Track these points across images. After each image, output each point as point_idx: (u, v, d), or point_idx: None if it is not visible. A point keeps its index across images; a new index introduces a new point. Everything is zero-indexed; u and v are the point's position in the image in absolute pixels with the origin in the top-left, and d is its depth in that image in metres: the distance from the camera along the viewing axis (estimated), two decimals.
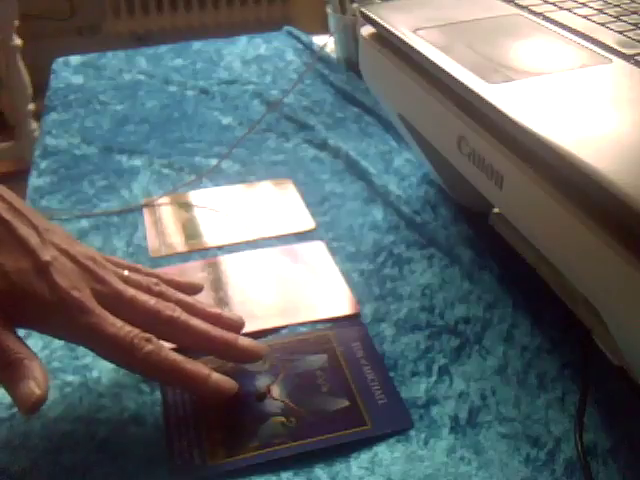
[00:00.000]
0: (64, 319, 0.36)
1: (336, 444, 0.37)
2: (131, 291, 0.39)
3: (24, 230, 0.37)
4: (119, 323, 0.37)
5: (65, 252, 0.38)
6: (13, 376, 0.34)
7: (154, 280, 0.41)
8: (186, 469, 0.36)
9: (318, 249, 0.52)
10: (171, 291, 0.41)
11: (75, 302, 0.36)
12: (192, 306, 0.41)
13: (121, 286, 0.39)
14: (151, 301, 0.39)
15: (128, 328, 0.37)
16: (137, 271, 0.42)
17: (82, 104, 0.75)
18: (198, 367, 0.38)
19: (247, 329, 0.44)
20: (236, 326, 0.42)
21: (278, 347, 0.43)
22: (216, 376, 0.38)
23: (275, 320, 0.45)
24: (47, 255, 0.36)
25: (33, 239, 0.37)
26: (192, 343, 0.39)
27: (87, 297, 0.37)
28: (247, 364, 0.41)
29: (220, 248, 0.52)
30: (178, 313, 0.39)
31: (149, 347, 0.36)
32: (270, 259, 0.51)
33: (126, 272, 0.41)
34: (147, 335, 0.37)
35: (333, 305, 0.46)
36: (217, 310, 0.42)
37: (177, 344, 0.40)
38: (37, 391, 0.34)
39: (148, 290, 0.40)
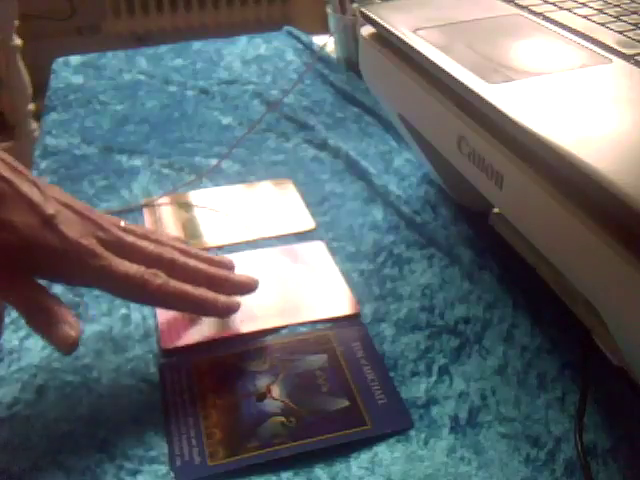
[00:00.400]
0: (77, 265, 0.39)
1: (336, 444, 0.37)
2: (131, 237, 0.42)
3: (26, 187, 0.38)
4: (127, 263, 0.40)
5: (66, 205, 0.40)
6: (47, 322, 0.38)
7: (149, 229, 0.44)
8: (186, 469, 0.36)
9: (318, 249, 0.52)
10: (165, 237, 0.45)
11: (85, 249, 0.38)
12: (186, 250, 0.44)
13: (121, 233, 0.42)
14: (150, 246, 0.42)
15: (136, 266, 0.40)
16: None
17: (82, 104, 0.75)
18: (205, 292, 0.42)
19: (247, 329, 0.44)
20: (228, 265, 0.46)
21: (278, 347, 0.43)
22: (223, 297, 0.42)
23: (275, 320, 0.45)
24: (51, 209, 0.38)
25: (36, 195, 0.38)
26: (192, 281, 0.42)
27: (94, 244, 0.39)
28: (247, 364, 0.41)
29: (220, 248, 0.52)
30: (177, 255, 0.43)
31: (159, 280, 0.40)
32: (270, 259, 0.51)
33: (122, 223, 0.43)
34: (154, 270, 0.40)
35: (333, 305, 0.46)
36: (207, 254, 0.46)
37: (178, 279, 0.42)
38: (73, 333, 0.37)
39: (145, 237, 0.43)
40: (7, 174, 0.38)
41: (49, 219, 0.38)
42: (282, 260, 0.51)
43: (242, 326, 0.45)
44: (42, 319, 0.38)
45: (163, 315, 0.46)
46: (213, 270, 0.44)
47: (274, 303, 0.47)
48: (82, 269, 0.39)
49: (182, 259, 0.43)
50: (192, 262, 0.43)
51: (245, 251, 0.51)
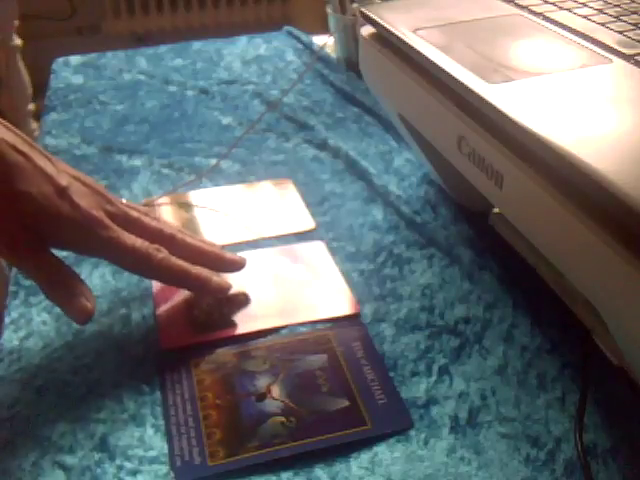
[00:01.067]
0: (87, 235, 0.41)
1: (336, 444, 0.37)
2: (135, 213, 0.45)
3: (41, 160, 0.41)
4: (133, 236, 0.43)
5: (76, 178, 0.43)
6: (64, 293, 0.41)
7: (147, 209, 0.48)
8: (186, 469, 0.36)
9: (318, 249, 0.52)
10: (162, 219, 0.48)
11: (95, 219, 0.41)
12: (182, 230, 0.48)
13: (127, 208, 0.45)
14: (153, 222, 0.45)
15: (141, 240, 0.43)
16: None
17: (82, 104, 0.75)
18: (201, 271, 0.45)
19: (247, 329, 0.44)
20: (217, 246, 0.49)
21: (278, 347, 0.43)
22: (216, 278, 0.46)
23: (275, 320, 0.45)
24: (64, 180, 0.41)
25: (49, 167, 0.41)
26: (188, 257, 0.45)
27: (103, 215, 0.42)
28: (247, 364, 0.41)
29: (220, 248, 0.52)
30: (176, 232, 0.46)
31: (161, 255, 0.43)
32: (270, 259, 0.51)
33: (124, 200, 0.46)
34: (157, 245, 0.43)
35: (333, 305, 0.46)
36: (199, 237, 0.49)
37: (176, 254, 0.44)
38: (89, 305, 0.41)
39: (146, 215, 0.46)
40: (24, 148, 0.40)
41: (63, 190, 0.40)
42: (282, 260, 0.51)
43: (242, 326, 0.45)
44: (61, 291, 0.41)
45: (162, 315, 0.46)
46: (207, 247, 0.47)
47: (274, 303, 0.47)
48: (91, 239, 0.41)
49: (180, 235, 0.46)
50: (189, 239, 0.47)
51: (245, 251, 0.51)
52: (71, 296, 0.41)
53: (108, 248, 0.42)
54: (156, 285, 0.48)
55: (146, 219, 0.45)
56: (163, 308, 0.46)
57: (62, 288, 0.41)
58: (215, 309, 0.46)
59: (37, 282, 0.41)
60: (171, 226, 0.47)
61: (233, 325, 0.45)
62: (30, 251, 0.41)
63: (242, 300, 0.47)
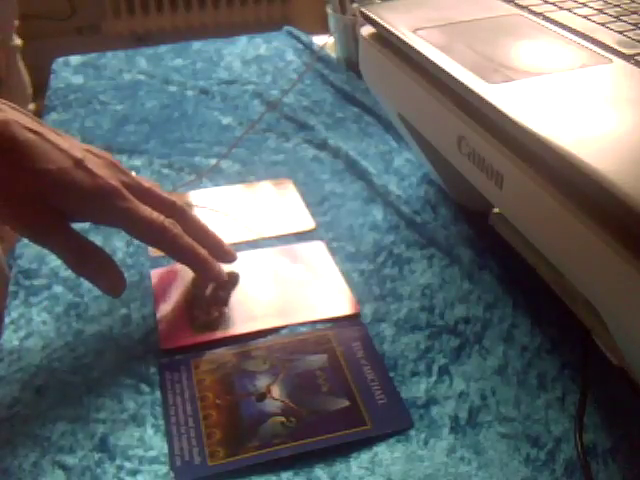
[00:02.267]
0: (105, 205, 0.42)
1: (336, 444, 0.37)
2: (147, 183, 0.46)
3: (54, 137, 0.41)
4: (148, 209, 0.43)
5: (89, 151, 0.43)
6: (93, 268, 0.43)
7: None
8: (186, 469, 0.36)
9: (318, 249, 0.52)
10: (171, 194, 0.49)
11: (113, 189, 0.42)
12: (190, 206, 0.50)
13: (138, 178, 0.46)
14: (164, 194, 0.47)
15: (156, 213, 0.44)
16: None
17: (82, 104, 0.75)
18: (207, 255, 0.47)
19: (246, 329, 0.44)
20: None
21: (278, 347, 0.43)
22: (218, 264, 0.48)
23: (275, 320, 0.45)
24: (79, 153, 0.42)
25: (62, 142, 0.42)
26: (194, 233, 0.46)
27: (120, 186, 0.43)
28: (247, 364, 0.41)
29: None
30: (186, 206, 0.48)
31: (176, 230, 0.44)
32: (270, 259, 0.51)
33: (133, 173, 0.46)
34: (172, 220, 0.44)
35: (333, 305, 0.46)
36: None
37: (185, 228, 0.46)
38: (122, 282, 0.43)
39: (157, 187, 0.47)
40: (35, 127, 0.41)
41: (80, 162, 0.41)
42: (282, 260, 0.51)
43: (242, 326, 0.45)
44: (90, 265, 0.42)
45: (162, 315, 0.46)
46: (211, 230, 0.49)
47: (274, 303, 0.47)
48: (110, 208, 0.42)
49: (190, 210, 0.48)
50: (197, 217, 0.48)
51: (245, 251, 0.51)
52: (101, 270, 0.43)
53: (126, 218, 0.43)
54: (156, 285, 0.48)
55: (158, 190, 0.47)
56: (163, 308, 0.46)
57: (91, 262, 0.42)
58: (215, 309, 0.46)
59: (64, 259, 0.42)
60: (182, 200, 0.48)
61: (233, 325, 0.45)
62: (54, 228, 0.41)
63: (242, 299, 0.47)
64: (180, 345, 0.43)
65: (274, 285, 0.48)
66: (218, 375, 0.41)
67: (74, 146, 0.42)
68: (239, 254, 0.51)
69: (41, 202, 0.40)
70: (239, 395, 0.40)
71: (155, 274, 0.49)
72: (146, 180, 0.47)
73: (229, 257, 0.49)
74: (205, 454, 0.36)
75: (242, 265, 0.50)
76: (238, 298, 0.47)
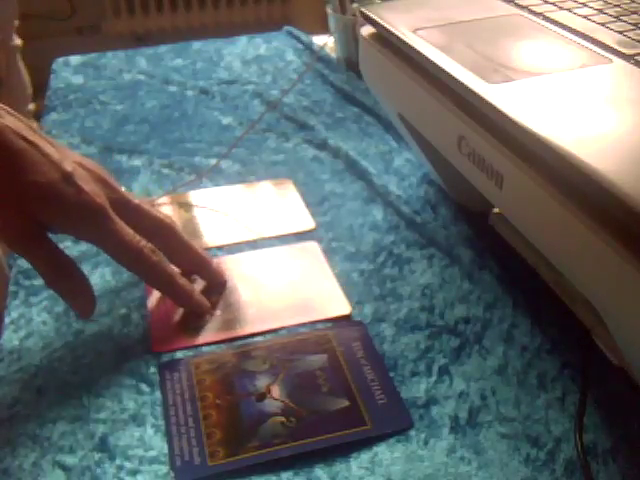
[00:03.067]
0: (87, 222, 0.42)
1: (336, 444, 0.37)
2: (136, 200, 0.45)
3: (48, 148, 0.41)
4: (131, 232, 0.43)
5: (80, 164, 0.43)
6: (67, 286, 0.42)
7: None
8: (186, 469, 0.36)
9: (312, 250, 0.52)
10: (162, 211, 0.48)
11: (98, 207, 0.41)
12: (177, 227, 0.48)
13: (128, 194, 0.45)
14: (153, 211, 0.46)
15: (138, 238, 0.43)
16: None
17: (82, 104, 0.75)
18: (187, 283, 0.46)
19: (239, 332, 0.44)
20: (208, 254, 0.49)
21: (278, 347, 0.43)
22: (198, 294, 0.46)
23: (266, 323, 0.45)
24: (69, 166, 0.41)
25: (54, 154, 0.41)
26: (179, 254, 0.46)
27: (107, 204, 0.42)
28: (247, 364, 0.41)
29: (220, 248, 0.53)
30: (174, 224, 0.46)
31: (155, 258, 0.43)
32: (261, 261, 0.51)
33: (123, 189, 0.46)
34: (153, 247, 0.43)
35: (325, 306, 0.46)
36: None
37: (170, 253, 0.46)
38: (91, 305, 0.43)
39: (146, 204, 0.46)
40: (29, 135, 0.40)
41: (68, 175, 0.41)
42: (274, 262, 0.51)
43: (234, 329, 0.44)
44: (64, 283, 0.42)
45: (155, 317, 0.45)
46: (199, 249, 0.48)
47: (265, 306, 0.46)
48: (91, 228, 0.42)
49: (178, 229, 0.47)
50: (185, 238, 0.47)
51: (235, 254, 0.51)
52: (75, 290, 0.42)
53: (105, 239, 0.42)
54: (150, 288, 0.48)
55: (146, 207, 0.46)
56: (156, 312, 0.46)
57: (66, 281, 0.42)
58: (198, 319, 0.45)
59: (40, 272, 0.41)
60: (171, 218, 0.47)
61: (225, 328, 0.45)
62: (35, 241, 0.41)
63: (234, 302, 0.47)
64: (172, 348, 0.43)
65: (265, 288, 0.48)
66: (218, 375, 0.41)
67: (66, 158, 0.42)
68: (230, 257, 0.51)
69: (25, 213, 0.40)
70: (239, 395, 0.40)
71: None
72: (135, 196, 0.46)
73: (217, 278, 0.48)
74: (205, 454, 0.36)
75: (233, 268, 0.50)
76: (230, 301, 0.47)
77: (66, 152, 0.43)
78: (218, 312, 0.46)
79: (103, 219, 0.41)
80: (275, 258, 0.51)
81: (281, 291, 0.48)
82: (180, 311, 0.46)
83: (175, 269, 0.46)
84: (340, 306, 0.46)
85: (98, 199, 0.41)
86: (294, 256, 0.51)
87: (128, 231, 0.42)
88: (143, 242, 0.43)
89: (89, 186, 0.41)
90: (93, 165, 0.44)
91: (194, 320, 0.45)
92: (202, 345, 0.44)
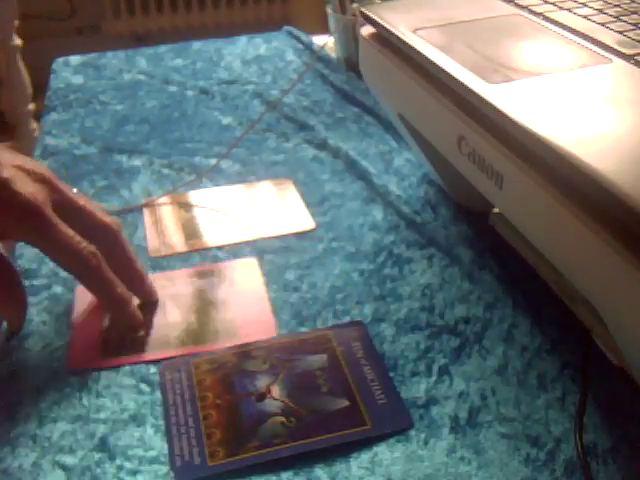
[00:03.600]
0: (24, 223, 0.41)
1: (336, 444, 0.37)
2: (83, 201, 0.44)
3: None
4: (71, 232, 0.41)
5: (20, 168, 0.42)
6: (3, 300, 0.42)
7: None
8: (186, 469, 0.36)
9: (249, 267, 0.50)
10: (107, 215, 0.46)
11: (34, 208, 0.40)
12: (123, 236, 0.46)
13: (73, 195, 0.44)
14: (99, 214, 0.45)
15: (78, 239, 0.42)
16: None
17: (82, 104, 0.75)
18: (124, 292, 0.44)
19: (158, 356, 0.43)
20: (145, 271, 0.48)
21: (278, 347, 0.43)
22: (133, 305, 0.45)
23: (188, 346, 0.43)
24: (5, 173, 0.40)
25: None
26: (117, 263, 0.44)
27: (47, 207, 0.41)
28: (247, 364, 0.41)
29: (220, 248, 0.53)
30: (121, 232, 0.45)
31: (94, 262, 0.42)
32: (193, 279, 0.49)
33: (75, 190, 0.45)
34: (94, 250, 0.42)
35: (250, 330, 0.44)
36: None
37: (110, 260, 0.44)
38: (20, 322, 0.43)
39: (92, 206, 0.45)
40: None
41: (5, 181, 0.40)
42: (207, 280, 0.49)
43: (154, 351, 0.43)
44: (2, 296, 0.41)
45: (78, 332, 0.44)
46: (139, 266, 0.46)
47: (190, 327, 0.45)
48: (28, 227, 0.41)
49: (124, 236, 0.45)
50: (128, 248, 0.46)
51: (166, 272, 0.49)
52: (9, 301, 0.42)
53: (43, 239, 0.41)
54: (77, 303, 0.47)
55: (91, 209, 0.44)
56: (79, 324, 0.45)
57: (1, 291, 0.41)
58: (130, 332, 0.44)
59: None
60: (118, 224, 0.45)
61: (145, 350, 0.43)
62: None
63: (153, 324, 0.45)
64: (86, 367, 0.42)
65: (193, 308, 0.47)
66: (218, 375, 0.41)
67: (5, 166, 0.40)
68: (160, 275, 0.49)
69: None
70: (239, 395, 0.40)
71: (79, 291, 0.47)
72: (83, 198, 0.45)
73: (149, 296, 0.47)
74: (205, 454, 0.36)
75: (165, 286, 0.48)
76: (156, 321, 0.45)
77: (10, 157, 0.42)
78: (142, 333, 0.44)
79: (39, 219, 0.40)
80: (210, 276, 0.50)
81: (208, 312, 0.46)
82: (103, 327, 0.45)
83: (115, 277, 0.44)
84: (266, 329, 0.45)
85: (35, 200, 0.40)
86: (231, 274, 0.50)
87: (67, 231, 0.41)
88: (84, 244, 0.42)
89: (29, 187, 0.40)
90: (36, 167, 0.43)
91: (117, 338, 0.44)
92: (123, 365, 0.42)
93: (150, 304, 0.47)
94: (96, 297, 0.45)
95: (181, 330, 0.45)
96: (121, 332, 0.44)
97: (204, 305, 0.47)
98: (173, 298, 0.47)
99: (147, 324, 0.45)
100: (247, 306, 0.47)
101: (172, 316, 0.46)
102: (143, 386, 0.41)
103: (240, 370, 0.41)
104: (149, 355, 0.43)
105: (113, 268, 0.44)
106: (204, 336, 0.44)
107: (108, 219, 0.45)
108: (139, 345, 0.44)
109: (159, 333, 0.44)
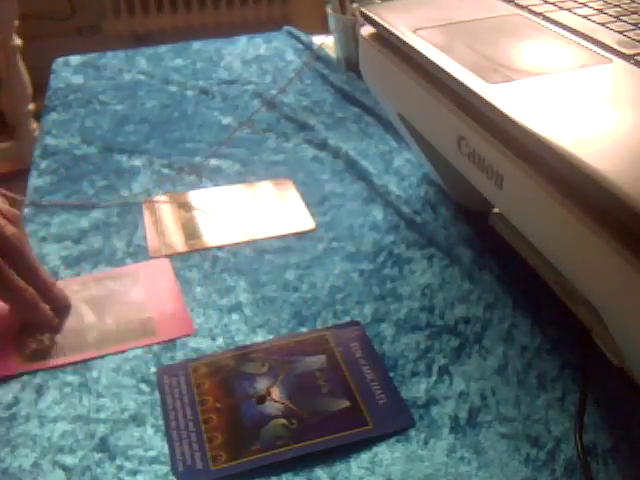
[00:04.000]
0: None
1: (338, 445, 0.37)
2: None
3: None
4: None
5: None
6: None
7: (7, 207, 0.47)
8: (189, 474, 0.36)
9: (162, 268, 0.50)
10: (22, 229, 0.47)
11: None
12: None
13: None
14: (1, 227, 0.44)
15: None
16: None
17: (82, 104, 0.75)
18: (33, 293, 0.44)
19: (77, 357, 0.43)
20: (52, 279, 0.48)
21: (276, 349, 0.43)
22: (44, 305, 0.45)
23: (106, 347, 0.43)
24: None
25: None
26: (23, 273, 0.44)
27: None
28: (246, 367, 0.41)
29: (220, 248, 0.52)
30: (21, 243, 0.44)
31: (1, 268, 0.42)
32: (108, 281, 0.49)
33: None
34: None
35: (168, 328, 0.45)
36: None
37: (14, 266, 0.44)
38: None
39: (4, 216, 0.45)
40: None
41: None
42: (121, 282, 0.49)
43: (73, 354, 0.43)
44: None
45: None
46: (44, 275, 0.46)
47: (107, 328, 0.45)
48: None
49: (25, 250, 0.45)
50: (30, 260, 0.45)
51: (81, 276, 0.49)
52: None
53: None
54: None
55: (2, 221, 0.44)
56: None
57: None
58: (48, 337, 0.44)
59: None
60: (20, 236, 0.45)
61: (64, 353, 0.43)
62: None
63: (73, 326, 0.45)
64: (4, 375, 0.42)
65: (110, 309, 0.46)
66: (217, 378, 0.41)
67: None
68: (72, 280, 0.49)
69: None
70: (239, 398, 0.40)
71: None
72: (8, 209, 0.45)
73: (59, 301, 0.46)
74: (207, 458, 0.36)
75: (79, 290, 0.48)
76: (71, 325, 0.45)
77: None
78: (58, 337, 0.44)
79: None
80: (123, 277, 0.49)
81: (124, 313, 0.46)
82: (14, 332, 0.44)
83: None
84: (183, 327, 0.45)
85: None
86: (144, 274, 0.50)
87: None
88: None
89: None
90: None
91: (31, 344, 0.44)
92: (41, 370, 0.42)
93: (63, 308, 0.46)
94: (9, 304, 0.45)
95: (98, 331, 0.45)
96: (35, 334, 0.44)
97: (119, 306, 0.47)
98: (87, 301, 0.47)
99: (62, 328, 0.45)
100: (162, 304, 0.47)
101: (88, 319, 0.46)
102: (143, 386, 0.41)
103: (239, 373, 0.41)
104: (69, 358, 0.43)
105: (19, 278, 0.44)
106: (122, 336, 0.44)
107: (9, 232, 0.44)
108: (57, 349, 0.43)
109: (76, 336, 0.44)
